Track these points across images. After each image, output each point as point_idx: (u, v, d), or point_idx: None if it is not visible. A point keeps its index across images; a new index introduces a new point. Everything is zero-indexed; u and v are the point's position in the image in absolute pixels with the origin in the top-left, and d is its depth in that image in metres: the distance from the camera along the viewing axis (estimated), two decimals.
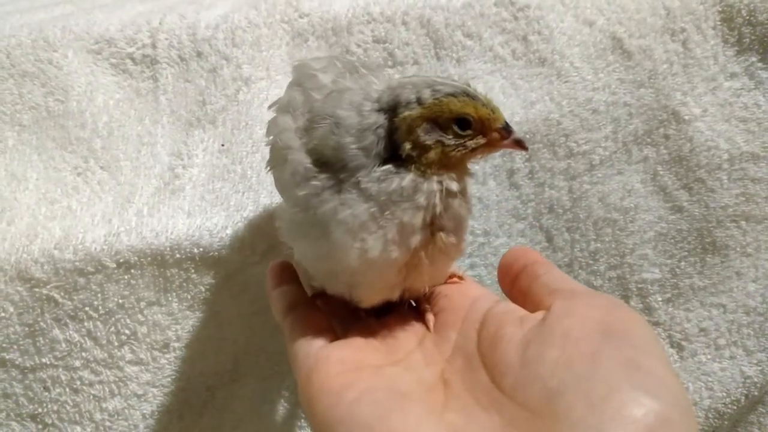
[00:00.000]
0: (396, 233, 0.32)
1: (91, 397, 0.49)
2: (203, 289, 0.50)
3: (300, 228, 0.35)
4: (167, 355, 0.50)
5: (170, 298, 0.50)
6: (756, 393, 0.58)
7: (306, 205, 0.34)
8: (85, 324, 0.48)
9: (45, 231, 0.48)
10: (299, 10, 0.60)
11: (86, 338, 0.48)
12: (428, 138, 0.33)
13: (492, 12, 0.59)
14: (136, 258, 0.48)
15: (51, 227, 0.49)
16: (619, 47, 0.58)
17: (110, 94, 0.56)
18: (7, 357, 0.47)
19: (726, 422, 0.59)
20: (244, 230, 0.50)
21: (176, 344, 0.50)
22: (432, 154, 0.33)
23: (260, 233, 0.50)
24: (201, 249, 0.49)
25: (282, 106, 0.39)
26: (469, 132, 0.33)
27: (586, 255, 0.57)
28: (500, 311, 0.33)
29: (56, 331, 0.48)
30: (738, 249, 0.58)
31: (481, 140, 0.33)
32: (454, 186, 0.33)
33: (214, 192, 0.52)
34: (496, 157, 0.56)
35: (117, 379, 0.49)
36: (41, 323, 0.47)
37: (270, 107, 0.43)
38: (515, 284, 0.36)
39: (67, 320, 0.48)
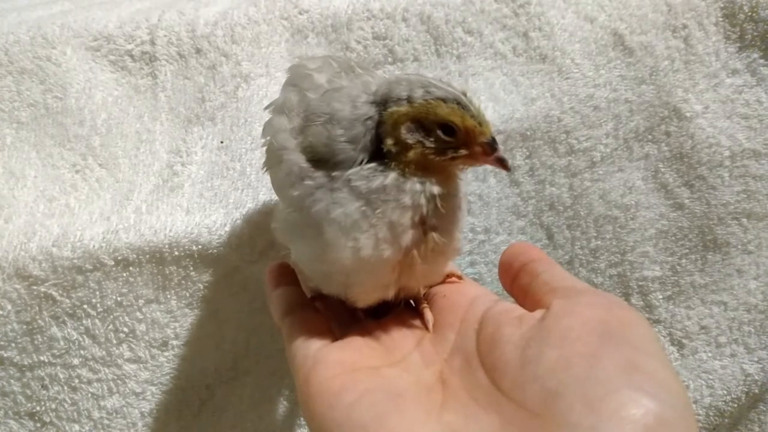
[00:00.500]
0: (387, 232, 0.32)
1: (90, 395, 0.49)
2: (202, 287, 0.50)
3: (295, 228, 0.35)
4: (166, 353, 0.50)
5: (169, 296, 0.49)
6: (757, 391, 0.58)
7: (300, 205, 0.34)
8: (84, 322, 0.48)
9: (43, 228, 0.48)
10: (299, 6, 0.60)
11: (84, 336, 0.48)
12: (410, 137, 0.33)
13: (493, 8, 0.59)
14: (134, 255, 0.48)
15: (49, 225, 0.49)
16: (621, 44, 0.58)
17: (109, 91, 0.56)
18: (5, 355, 0.47)
19: (727, 420, 0.59)
20: (243, 228, 0.50)
21: (175, 342, 0.50)
22: (411, 154, 0.33)
23: (259, 231, 0.50)
24: (200, 246, 0.49)
25: (277, 107, 0.39)
26: (452, 140, 0.33)
27: (586, 252, 0.57)
28: (499, 311, 0.33)
29: (54, 329, 0.48)
30: (739, 246, 0.58)
31: (463, 151, 0.33)
32: (436, 190, 0.33)
33: (212, 189, 0.52)
34: None
35: (115, 377, 0.49)
36: (39, 321, 0.47)
37: (265, 109, 0.43)
38: (515, 282, 0.35)
39: (66, 318, 0.48)
